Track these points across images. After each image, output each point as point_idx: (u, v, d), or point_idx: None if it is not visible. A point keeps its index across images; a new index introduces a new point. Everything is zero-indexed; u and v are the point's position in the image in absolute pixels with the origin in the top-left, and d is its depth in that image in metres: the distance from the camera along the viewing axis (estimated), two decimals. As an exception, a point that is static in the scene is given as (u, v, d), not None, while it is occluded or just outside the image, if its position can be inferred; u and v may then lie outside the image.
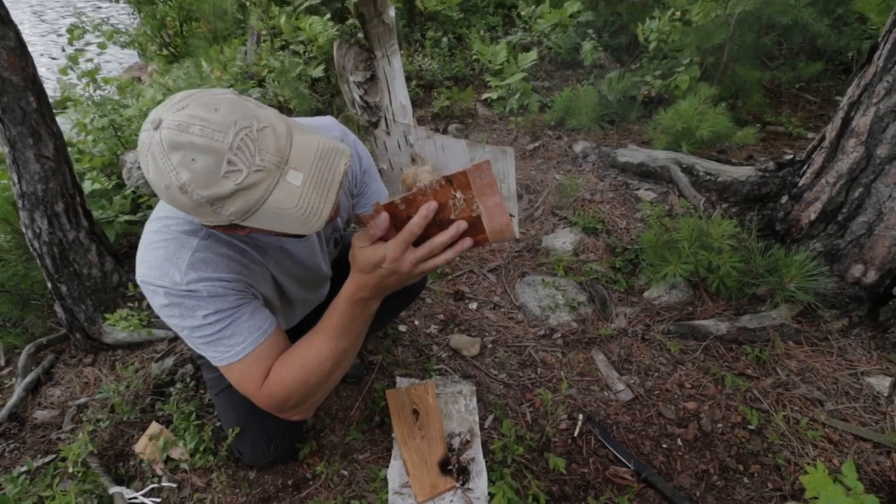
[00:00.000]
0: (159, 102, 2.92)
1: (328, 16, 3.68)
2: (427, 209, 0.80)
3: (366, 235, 0.85)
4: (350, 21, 3.65)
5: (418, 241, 0.82)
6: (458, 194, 0.79)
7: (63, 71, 2.48)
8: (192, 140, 0.72)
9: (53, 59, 5.59)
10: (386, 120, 0.83)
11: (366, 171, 1.22)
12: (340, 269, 1.38)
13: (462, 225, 0.81)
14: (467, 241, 0.83)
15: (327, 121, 1.18)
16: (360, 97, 0.81)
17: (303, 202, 0.76)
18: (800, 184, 2.07)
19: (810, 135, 3.02)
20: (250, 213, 0.76)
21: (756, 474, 1.44)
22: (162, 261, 0.93)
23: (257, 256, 1.06)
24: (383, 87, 0.81)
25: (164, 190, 0.76)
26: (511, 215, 0.81)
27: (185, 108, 0.73)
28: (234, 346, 0.97)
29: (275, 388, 0.98)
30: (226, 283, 0.96)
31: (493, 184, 0.78)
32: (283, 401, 1.00)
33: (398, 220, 0.82)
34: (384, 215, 0.82)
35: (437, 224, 0.82)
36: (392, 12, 0.75)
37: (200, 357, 1.26)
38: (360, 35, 0.78)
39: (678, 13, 3.08)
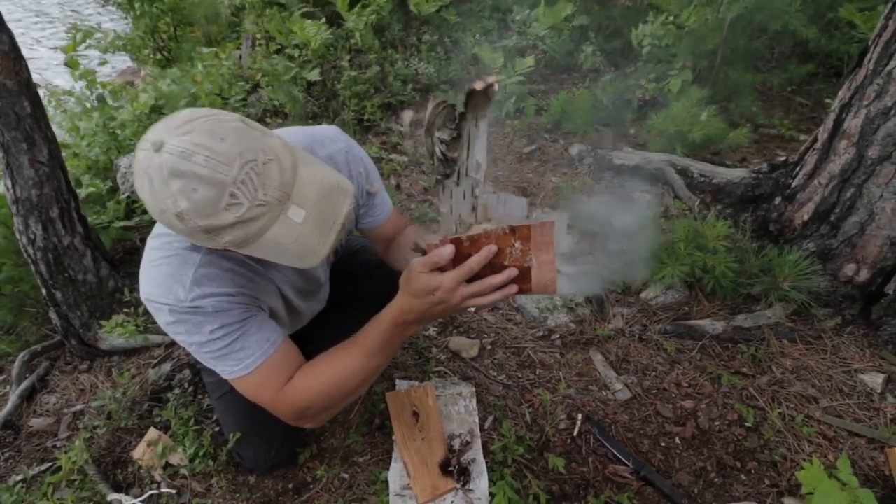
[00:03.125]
0: (153, 107, 2.93)
1: (323, 20, 3.68)
2: (488, 251, 0.84)
3: (428, 262, 0.86)
4: (345, 25, 3.65)
5: (470, 279, 0.86)
6: (518, 244, 0.84)
7: (72, 64, 2.48)
8: (194, 170, 0.70)
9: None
10: (458, 173, 0.88)
11: (372, 184, 1.22)
12: (335, 275, 1.39)
13: (513, 272, 0.86)
14: (514, 288, 0.87)
15: (331, 131, 1.16)
16: (442, 152, 0.86)
17: (302, 239, 0.76)
18: (793, 185, 2.09)
19: (802, 137, 3.05)
20: (247, 244, 0.76)
21: (753, 471, 1.45)
22: (165, 278, 0.92)
23: (262, 269, 1.05)
24: (464, 145, 0.86)
25: (158, 213, 0.75)
26: (558, 271, 0.87)
27: (190, 134, 0.71)
28: (244, 360, 0.97)
29: (298, 396, 0.98)
30: (231, 298, 0.96)
31: (550, 242, 0.84)
32: (304, 409, 1.00)
33: (457, 255, 0.86)
34: (451, 248, 0.85)
35: (490, 266, 0.86)
36: (496, 87, 0.79)
37: (199, 361, 1.26)
38: (462, 103, 0.82)
39: (671, 17, 3.11)
